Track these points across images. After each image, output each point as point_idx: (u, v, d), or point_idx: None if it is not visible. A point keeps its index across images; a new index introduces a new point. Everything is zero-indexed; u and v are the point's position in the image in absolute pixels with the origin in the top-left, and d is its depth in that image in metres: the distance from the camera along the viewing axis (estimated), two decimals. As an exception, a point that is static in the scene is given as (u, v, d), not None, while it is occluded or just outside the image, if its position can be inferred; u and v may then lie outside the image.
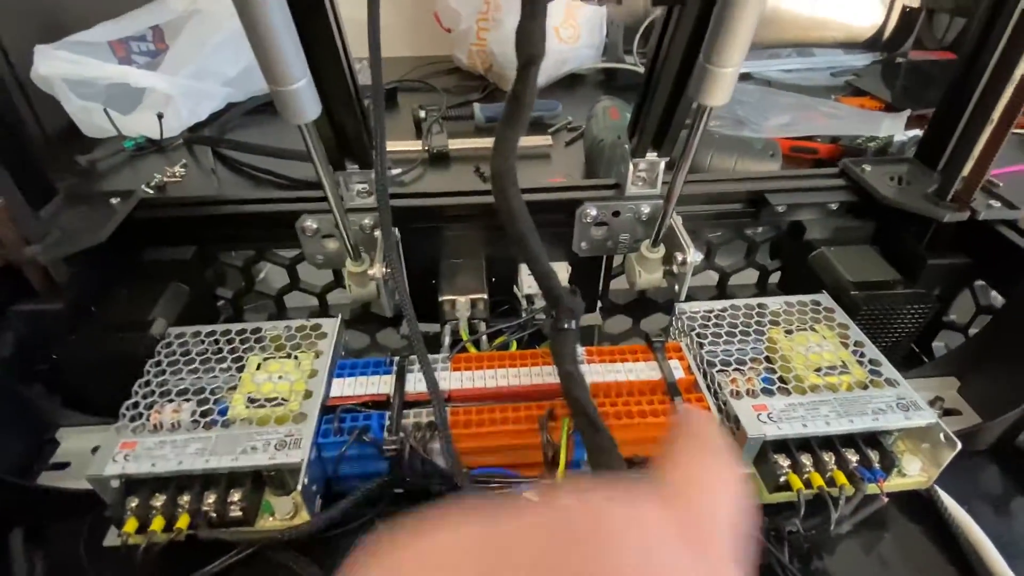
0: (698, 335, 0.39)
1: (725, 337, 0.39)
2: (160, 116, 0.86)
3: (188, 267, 0.44)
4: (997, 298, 0.43)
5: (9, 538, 0.33)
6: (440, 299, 0.44)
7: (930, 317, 0.42)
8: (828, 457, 0.33)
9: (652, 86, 0.38)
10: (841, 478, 0.32)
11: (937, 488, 0.35)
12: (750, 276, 0.52)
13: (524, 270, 0.46)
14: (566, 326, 0.35)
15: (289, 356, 0.38)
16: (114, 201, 0.43)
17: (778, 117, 0.94)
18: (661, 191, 0.44)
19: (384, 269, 0.40)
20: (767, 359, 0.38)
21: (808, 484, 0.33)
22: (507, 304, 0.48)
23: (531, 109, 0.31)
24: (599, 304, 0.52)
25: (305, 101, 0.31)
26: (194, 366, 0.37)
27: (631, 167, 0.42)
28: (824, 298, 0.42)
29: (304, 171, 0.71)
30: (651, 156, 0.41)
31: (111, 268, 0.43)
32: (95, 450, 0.37)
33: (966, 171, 0.41)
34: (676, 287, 0.42)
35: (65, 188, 0.44)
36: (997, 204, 0.41)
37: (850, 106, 1.00)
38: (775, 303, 0.42)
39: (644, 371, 0.37)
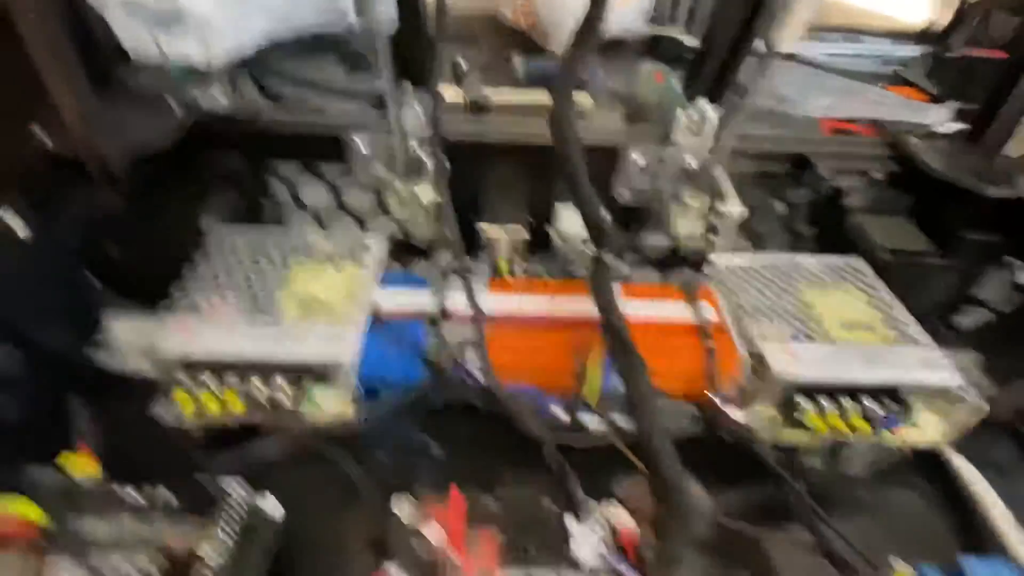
0: (731, 284, 0.40)
1: (757, 288, 0.40)
2: (205, 43, 0.86)
3: (238, 175, 0.45)
4: (1027, 280, 0.44)
5: (66, 405, 0.35)
6: (480, 230, 0.45)
7: (960, 291, 0.42)
8: (849, 404, 0.34)
9: (713, 31, 0.38)
10: (860, 423, 0.34)
11: (951, 449, 0.37)
12: (784, 241, 0.53)
13: (561, 208, 0.47)
14: (604, 256, 0.36)
15: (335, 266, 0.39)
16: (175, 105, 0.44)
17: (821, 98, 0.94)
18: (708, 143, 0.44)
19: (431, 190, 0.41)
20: (797, 311, 0.39)
21: (828, 428, 0.34)
22: (542, 242, 0.49)
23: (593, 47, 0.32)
24: (630, 256, 0.53)
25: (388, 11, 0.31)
26: (242, 263, 0.38)
27: (682, 115, 0.43)
28: (857, 261, 0.42)
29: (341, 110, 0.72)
30: (703, 104, 0.42)
31: (166, 167, 0.44)
32: (144, 335, 0.39)
33: (1012, 150, 0.41)
34: (714, 239, 0.43)
35: (128, 93, 0.45)
36: (1041, 185, 0.41)
37: (896, 95, 0.99)
38: (808, 261, 0.42)
39: (675, 310, 0.39)
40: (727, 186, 0.42)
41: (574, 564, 0.27)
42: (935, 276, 0.42)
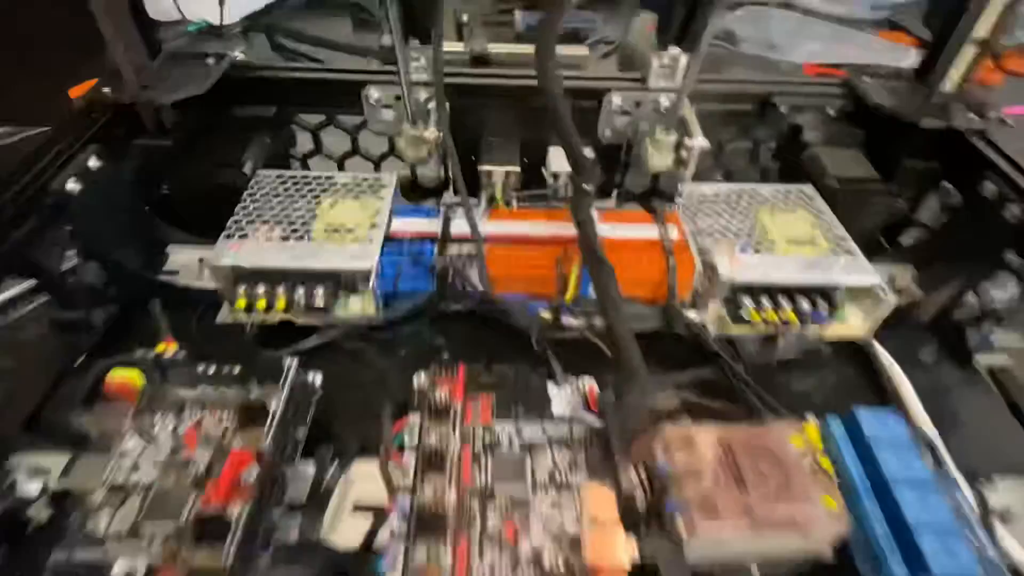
0: (695, 208, 0.47)
1: (717, 212, 0.47)
2: (221, 2, 0.91)
3: (270, 124, 0.52)
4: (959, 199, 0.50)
5: (137, 314, 0.43)
6: (480, 168, 0.52)
7: (898, 212, 0.49)
8: (784, 302, 0.41)
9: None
10: (792, 317, 0.41)
11: (875, 343, 0.44)
12: (752, 175, 0.59)
13: (552, 152, 0.53)
14: (585, 186, 0.43)
15: (356, 199, 0.47)
16: (210, 61, 0.51)
17: (810, 44, 0.97)
18: (680, 84, 0.50)
19: (436, 132, 0.47)
20: (749, 230, 0.45)
21: (766, 322, 0.41)
22: (536, 181, 0.55)
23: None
24: (616, 191, 0.59)
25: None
26: (280, 200, 0.46)
27: (655, 60, 0.48)
28: (808, 188, 0.49)
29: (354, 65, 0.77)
30: (673, 50, 0.48)
31: (207, 118, 0.51)
32: (201, 261, 0.47)
33: (948, 85, 0.47)
34: (684, 170, 0.49)
35: (167, 48, 0.51)
36: (972, 115, 0.47)
37: (886, 40, 1.02)
38: (766, 188, 0.49)
39: (645, 231, 0.45)
40: (693, 123, 0.48)
41: (551, 416, 0.35)
42: (877, 200, 0.48)
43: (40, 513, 0.30)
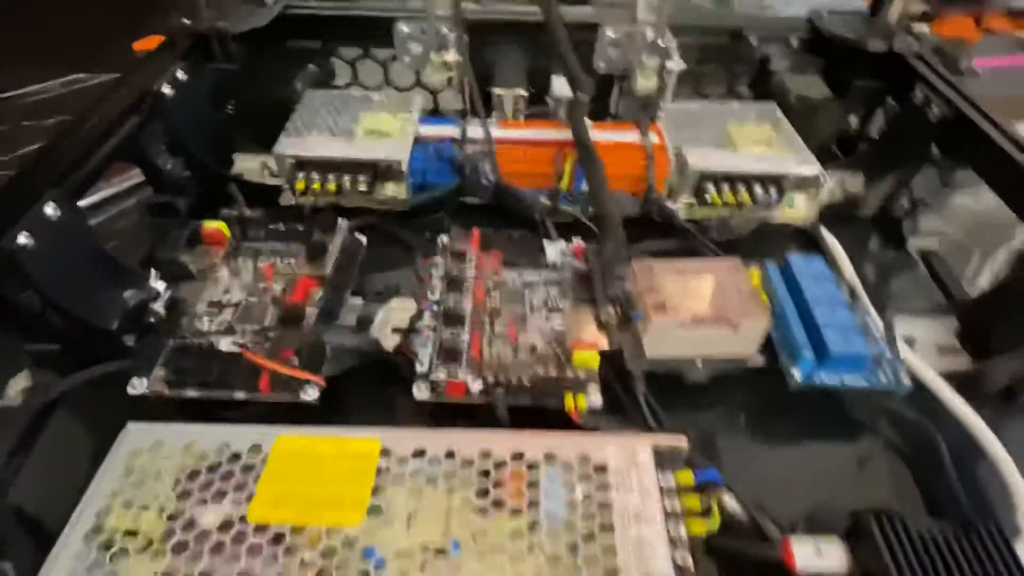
0: (674, 121, 0.55)
1: (692, 123, 0.55)
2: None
3: (315, 55, 0.62)
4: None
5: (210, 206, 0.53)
6: (492, 92, 0.61)
7: (848, 126, 0.57)
8: (742, 187, 0.50)
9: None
10: (746, 199, 0.50)
11: (821, 227, 0.52)
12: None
13: (555, 79, 0.62)
14: (580, 96, 0.52)
15: (390, 113, 0.56)
16: (269, 1, 0.60)
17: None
18: (664, 19, 0.58)
19: (456, 56, 0.57)
20: (717, 135, 0.54)
21: (725, 204, 0.50)
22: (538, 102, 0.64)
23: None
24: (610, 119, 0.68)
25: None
26: (328, 111, 0.55)
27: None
28: (772, 105, 0.57)
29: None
30: (656, -13, 0.56)
31: (264, 49, 0.61)
32: (263, 164, 0.57)
33: (892, 17, 0.55)
34: (665, 91, 0.58)
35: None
36: (910, 39, 0.55)
37: None
38: (736, 105, 0.57)
39: (629, 136, 0.54)
40: (673, 49, 0.56)
41: (545, 265, 0.44)
42: (830, 114, 0.57)
43: (160, 309, 0.40)
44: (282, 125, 0.54)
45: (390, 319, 0.45)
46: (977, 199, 0.65)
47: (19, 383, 0.42)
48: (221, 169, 0.55)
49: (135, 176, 0.60)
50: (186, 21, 0.56)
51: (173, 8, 0.58)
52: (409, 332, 0.38)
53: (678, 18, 0.58)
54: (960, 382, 0.39)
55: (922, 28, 0.58)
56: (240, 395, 0.36)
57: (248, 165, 0.58)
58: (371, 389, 0.40)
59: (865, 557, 0.28)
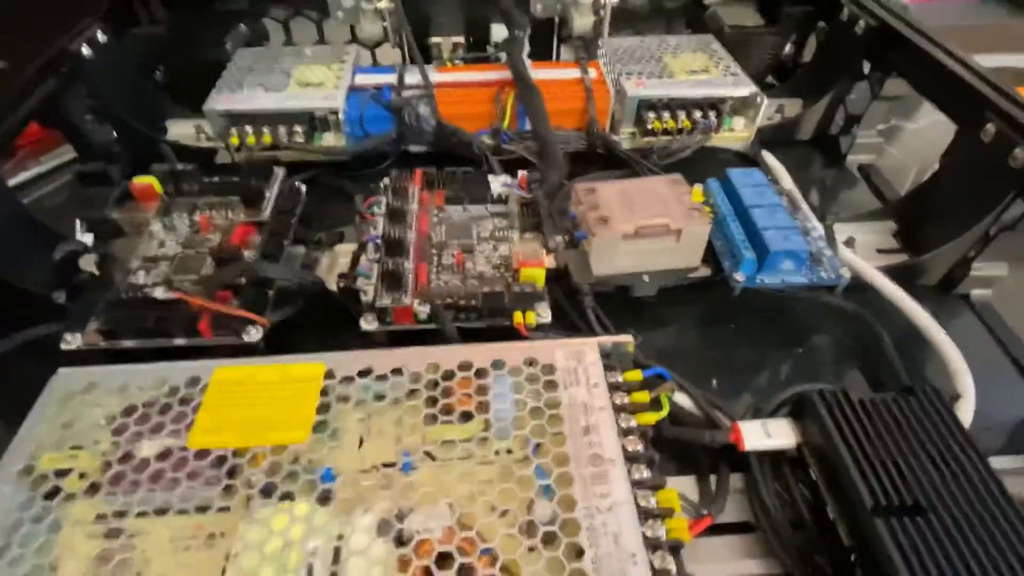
0: (613, 55, 0.55)
1: (631, 56, 0.55)
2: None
3: (245, 15, 0.60)
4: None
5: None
6: (430, 41, 0.60)
7: (781, 51, 0.58)
8: (682, 113, 0.50)
9: None
10: (687, 124, 0.50)
11: (763, 151, 0.53)
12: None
13: (494, 27, 0.61)
14: (517, 34, 0.52)
15: (323, 65, 0.55)
16: (189, -39, 0.58)
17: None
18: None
19: (387, 3, 0.55)
20: (655, 67, 0.54)
21: (667, 131, 0.50)
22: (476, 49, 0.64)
23: None
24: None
25: None
26: (260, 68, 0.54)
27: (570, -67, 0.57)
28: (708, 37, 0.58)
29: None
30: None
31: (191, 11, 0.59)
32: (196, 128, 0.55)
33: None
34: (602, 26, 0.58)
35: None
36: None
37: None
38: (674, 39, 0.58)
39: (570, 72, 0.54)
40: (607, -16, 0.56)
41: (491, 199, 0.44)
42: (764, 43, 0.57)
43: (90, 265, 0.38)
44: (214, 83, 0.52)
45: (335, 264, 0.44)
46: (913, 120, 0.67)
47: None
48: (152, 134, 0.53)
49: (67, 153, 0.58)
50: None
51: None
52: (353, 269, 0.38)
53: (610, -45, 0.58)
54: (900, 275, 0.40)
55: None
56: (180, 341, 0.35)
57: (182, 131, 0.56)
58: (318, 331, 0.39)
59: (811, 430, 0.29)
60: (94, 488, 0.26)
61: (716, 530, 0.30)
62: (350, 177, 0.51)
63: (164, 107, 0.56)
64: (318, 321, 0.39)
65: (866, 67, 0.52)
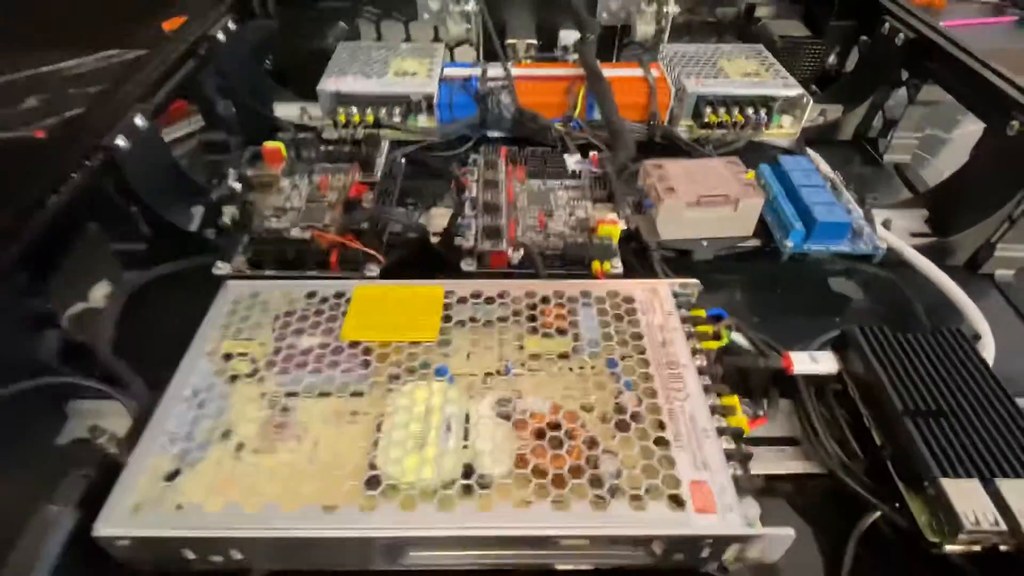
0: (673, 59, 0.62)
1: (689, 60, 0.62)
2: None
3: (346, 13, 0.68)
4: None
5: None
6: (506, 42, 0.67)
7: (826, 61, 0.64)
8: (735, 110, 0.56)
9: None
10: (740, 118, 0.56)
11: (808, 149, 0.58)
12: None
13: (562, 33, 0.69)
14: (588, 36, 0.58)
15: (416, 58, 0.62)
16: (301, -34, 0.67)
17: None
18: (658, -28, 0.65)
19: (474, 7, 0.63)
20: (712, 70, 0.60)
21: (722, 124, 0.56)
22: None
23: None
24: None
25: None
26: (361, 60, 0.61)
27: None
28: (759, 46, 0.64)
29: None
30: (651, -57, 0.63)
31: (298, 8, 0.67)
32: (302, 110, 0.63)
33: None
34: (663, 33, 0.65)
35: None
36: (879, -19, 0.62)
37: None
38: (727, 46, 0.64)
39: (633, 72, 0.61)
40: (669, -4, 0.63)
41: (566, 174, 0.50)
42: (810, 53, 0.63)
43: (231, 214, 0.45)
44: (317, 76, 0.60)
45: (430, 224, 0.51)
46: (948, 131, 0.72)
47: (101, 289, 0.48)
48: (265, 111, 0.61)
49: (184, 128, 0.66)
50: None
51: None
52: (452, 226, 0.44)
53: (671, -30, 0.65)
54: (930, 254, 0.45)
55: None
56: (312, 273, 0.42)
57: (288, 111, 0.64)
58: (420, 273, 0.45)
59: (852, 358, 0.34)
60: (265, 368, 0.33)
61: (768, 442, 0.35)
62: (437, 157, 0.58)
63: (272, 89, 0.64)
64: (419, 266, 0.46)
65: (903, 75, 0.57)
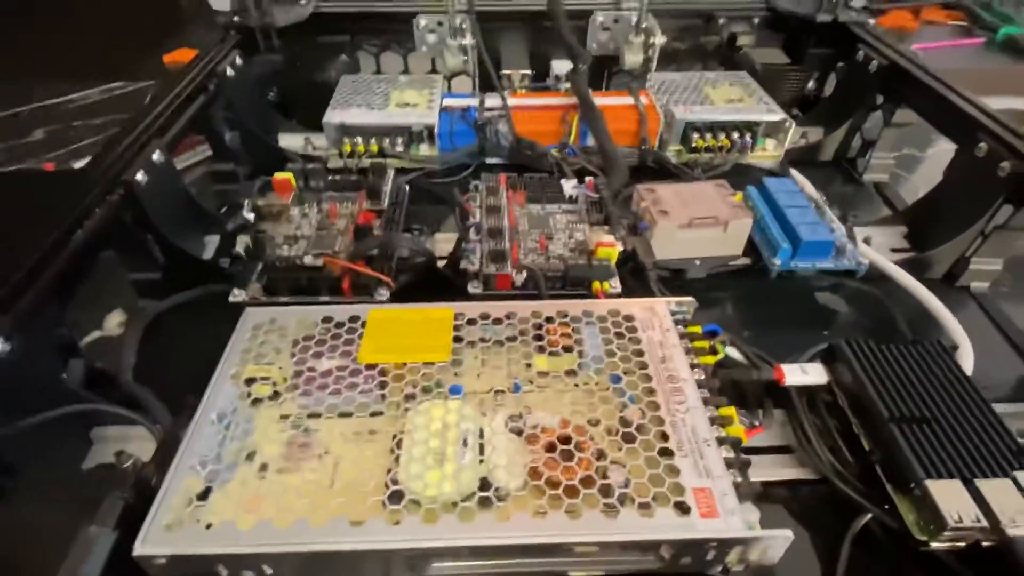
0: (661, 87, 0.65)
1: (676, 88, 0.65)
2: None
3: (345, 47, 0.71)
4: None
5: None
6: (501, 73, 0.70)
7: (804, 85, 0.67)
8: (721, 134, 0.59)
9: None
10: (726, 143, 0.59)
11: (792, 169, 0.61)
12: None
13: (554, 63, 0.72)
14: (580, 67, 0.61)
15: (415, 90, 0.65)
16: (302, 1, 0.69)
17: None
18: (645, 4, 0.68)
19: (472, 39, 0.66)
20: (698, 96, 0.63)
21: (708, 149, 0.59)
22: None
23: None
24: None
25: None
26: (363, 92, 0.64)
27: (625, -15, 0.67)
28: (742, 73, 0.67)
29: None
30: (638, -24, 0.66)
31: (301, 43, 0.69)
32: (306, 139, 0.65)
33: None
34: (651, 62, 0.68)
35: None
36: (853, 13, 0.66)
37: None
38: (712, 74, 0.67)
39: (623, 100, 0.63)
40: (655, 26, 0.66)
41: (564, 199, 0.53)
42: (790, 79, 0.67)
43: (245, 243, 0.47)
44: (319, 108, 0.62)
45: (434, 248, 0.53)
46: (923, 150, 0.75)
47: (115, 317, 0.49)
48: (271, 142, 0.63)
49: (195, 155, 0.68)
50: (236, 18, 0.65)
51: (192, 24, 0.67)
52: (457, 251, 0.46)
53: (656, 2, 0.68)
54: (909, 268, 0.48)
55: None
56: (324, 299, 0.44)
57: (293, 142, 0.66)
58: (427, 296, 0.47)
59: (840, 369, 0.37)
60: (285, 391, 0.34)
61: (762, 451, 0.37)
62: (438, 184, 0.61)
63: (276, 121, 0.67)
64: (426, 289, 0.47)
65: (879, 99, 0.61)
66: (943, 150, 0.68)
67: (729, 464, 0.31)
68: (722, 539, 0.28)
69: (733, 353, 0.41)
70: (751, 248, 0.49)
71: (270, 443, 0.33)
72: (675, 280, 0.48)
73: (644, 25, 0.67)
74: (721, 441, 0.32)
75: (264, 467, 0.31)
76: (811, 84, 0.70)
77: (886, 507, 0.32)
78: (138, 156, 0.44)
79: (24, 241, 0.37)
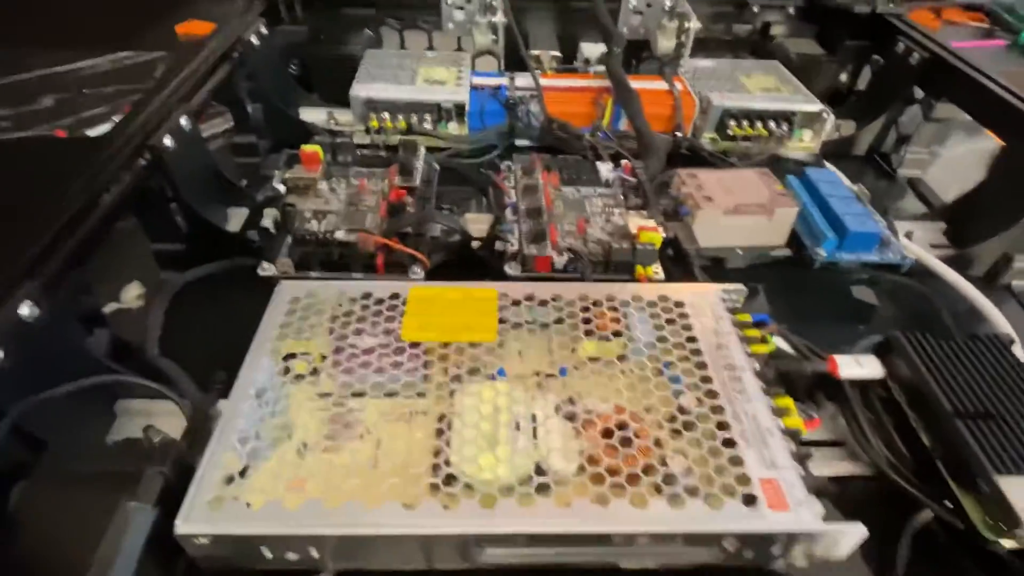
0: (695, 73, 0.64)
1: (710, 74, 0.63)
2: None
3: (370, 21, 0.69)
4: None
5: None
6: (531, 53, 0.68)
7: (839, 79, 0.66)
8: (758, 123, 0.58)
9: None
10: (762, 131, 0.58)
11: (826, 162, 0.60)
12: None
13: (582, 45, 0.70)
14: (615, 49, 0.60)
15: (444, 66, 0.63)
16: (327, -27, 0.67)
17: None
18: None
19: (502, 18, 0.64)
20: (732, 84, 0.62)
21: (746, 137, 0.58)
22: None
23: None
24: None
25: None
26: (390, 67, 0.62)
27: (660, -32, 0.65)
28: (775, 62, 0.66)
29: None
30: (673, -41, 0.65)
31: (325, 15, 0.67)
32: (329, 114, 0.63)
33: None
34: (684, 48, 0.66)
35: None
36: (891, 4, 0.64)
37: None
38: (745, 62, 0.66)
39: (657, 85, 0.62)
40: (690, 12, 0.64)
41: (599, 182, 0.51)
42: (823, 70, 0.65)
43: (273, 216, 0.45)
44: (343, 82, 0.60)
45: (467, 228, 0.52)
46: (955, 147, 0.74)
47: (133, 290, 0.47)
48: (293, 116, 0.61)
49: (212, 127, 0.66)
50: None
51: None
52: (493, 231, 0.45)
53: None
54: (951, 265, 0.47)
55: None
56: (357, 275, 0.42)
57: (315, 116, 0.64)
58: (463, 278, 0.46)
59: (897, 362, 0.36)
60: (325, 368, 0.33)
61: (814, 444, 0.36)
62: (466, 161, 0.59)
63: (298, 94, 0.65)
64: (459, 268, 0.46)
65: (918, 93, 0.60)
66: (981, 148, 0.67)
67: (791, 456, 0.30)
68: (792, 532, 0.27)
69: (781, 344, 0.39)
70: (793, 237, 0.48)
71: (310, 421, 0.31)
72: (714, 268, 0.47)
73: (679, 10, 0.66)
74: (780, 431, 0.31)
75: (304, 446, 0.30)
76: (843, 77, 0.69)
77: (947, 504, 0.31)
78: (165, 121, 0.42)
79: (49, 206, 0.35)
